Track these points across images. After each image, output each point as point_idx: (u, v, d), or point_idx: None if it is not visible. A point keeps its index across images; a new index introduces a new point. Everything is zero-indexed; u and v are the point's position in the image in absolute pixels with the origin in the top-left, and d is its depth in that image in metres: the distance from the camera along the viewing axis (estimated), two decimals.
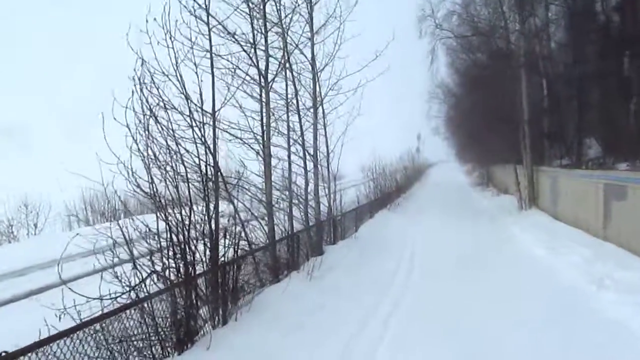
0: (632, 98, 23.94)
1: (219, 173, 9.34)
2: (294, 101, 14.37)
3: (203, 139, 9.02)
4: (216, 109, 9.41)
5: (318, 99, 15.49)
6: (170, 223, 8.08)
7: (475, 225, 23.90)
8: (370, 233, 20.79)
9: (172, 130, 8.59)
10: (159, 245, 7.87)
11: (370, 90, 16.37)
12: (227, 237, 9.26)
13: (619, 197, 15.58)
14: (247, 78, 12.26)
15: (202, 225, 8.64)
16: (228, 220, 9.73)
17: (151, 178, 7.94)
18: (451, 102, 53.09)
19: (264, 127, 12.30)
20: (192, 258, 8.30)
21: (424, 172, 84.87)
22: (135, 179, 7.90)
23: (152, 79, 8.41)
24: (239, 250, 9.88)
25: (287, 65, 13.77)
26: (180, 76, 8.66)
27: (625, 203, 15.03)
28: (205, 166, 9.04)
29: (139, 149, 7.91)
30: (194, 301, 8.24)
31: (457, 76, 44.59)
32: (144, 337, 7.17)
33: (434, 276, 13.67)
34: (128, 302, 7.03)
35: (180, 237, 8.12)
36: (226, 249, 9.13)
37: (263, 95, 12.39)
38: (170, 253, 7.96)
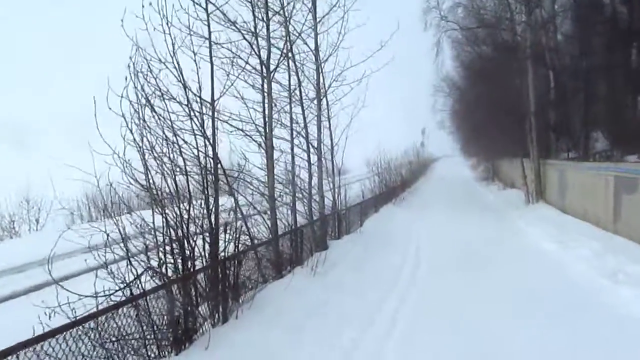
0: (639, 90, 23.62)
1: (218, 165, 8.99)
2: (297, 92, 14.04)
3: (202, 130, 8.69)
4: (215, 99, 9.07)
5: (322, 91, 15.16)
6: (167, 217, 7.78)
7: (481, 220, 23.55)
8: (375, 227, 20.47)
9: (171, 120, 8.28)
10: (155, 241, 7.55)
11: (374, 83, 16.08)
12: (228, 231, 8.94)
13: (630, 190, 15.27)
14: (248, 67, 11.93)
15: (202, 219, 8.31)
16: (229, 215, 9.38)
17: (147, 169, 7.58)
18: (456, 95, 52.75)
19: (266, 119, 11.95)
20: (191, 253, 7.99)
21: (429, 166, 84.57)
22: (131, 171, 7.59)
23: (148, 66, 8.10)
24: (241, 246, 9.59)
25: (290, 55, 13.43)
26: (178, 64, 8.31)
27: (636, 196, 14.72)
28: (205, 158, 8.72)
29: (134, 139, 7.58)
30: (193, 298, 7.93)
31: (462, 69, 44.22)
32: (138, 336, 6.83)
33: (440, 271, 13.32)
34: (122, 299, 6.69)
35: (179, 231, 7.81)
36: (227, 244, 8.80)
37: (265, 85, 12.04)
38: (168, 248, 7.63)
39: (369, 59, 15.16)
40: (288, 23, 12.86)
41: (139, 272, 7.04)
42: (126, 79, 7.35)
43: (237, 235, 9.24)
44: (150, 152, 7.79)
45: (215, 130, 8.96)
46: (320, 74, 15.09)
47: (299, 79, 14.01)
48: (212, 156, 8.79)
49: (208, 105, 8.97)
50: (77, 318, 5.97)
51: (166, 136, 8.07)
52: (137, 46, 7.85)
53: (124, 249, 7.01)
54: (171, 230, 7.75)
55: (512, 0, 28.33)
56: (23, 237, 29.26)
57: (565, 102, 29.27)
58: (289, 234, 12.37)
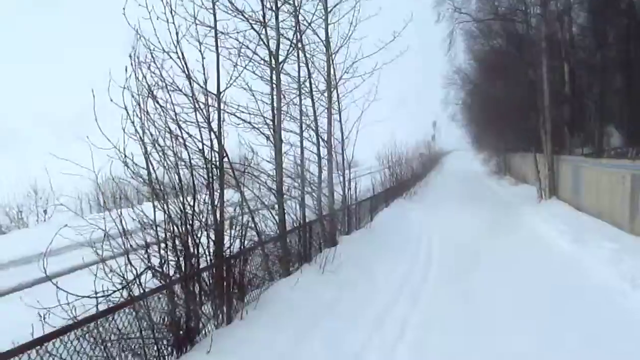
0: None
1: (224, 159, 8.64)
2: (307, 84, 13.67)
3: (207, 122, 8.35)
4: (221, 90, 8.72)
5: (332, 82, 14.78)
6: (170, 212, 7.45)
7: (493, 216, 23.12)
8: (386, 223, 20.10)
9: (175, 112, 7.95)
10: (157, 237, 7.22)
11: (386, 76, 15.70)
12: (234, 227, 8.60)
13: None
14: (256, 58, 11.56)
15: (206, 215, 7.98)
16: (234, 210, 9.02)
17: (148, 163, 7.25)
18: (468, 88, 52.27)
19: (275, 111, 11.57)
20: (195, 250, 7.67)
21: (440, 160, 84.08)
22: (133, 164, 7.26)
23: (152, 56, 7.77)
24: (247, 242, 9.26)
25: (300, 45, 13.05)
26: (182, 53, 7.97)
27: None
28: (210, 151, 8.39)
29: (136, 130, 7.25)
30: (196, 298, 7.60)
31: (475, 62, 43.73)
32: (136, 337, 6.50)
33: (452, 271, 12.95)
34: (120, 300, 6.36)
35: (182, 227, 7.48)
36: (232, 240, 8.46)
37: (274, 77, 11.66)
38: (169, 246, 7.30)
39: (381, 50, 14.77)
40: (298, 12, 12.45)
41: (139, 272, 6.70)
42: (126, 69, 7.01)
43: (244, 232, 8.89)
44: (152, 145, 7.47)
45: (222, 123, 8.63)
46: (331, 66, 14.72)
47: (308, 71, 13.64)
48: (217, 149, 8.45)
49: (214, 96, 8.61)
50: (77, 319, 5.72)
51: (170, 129, 7.76)
52: (140, 35, 7.54)
53: (122, 247, 6.67)
54: (174, 226, 7.44)
55: None
56: (31, 228, 29.09)
57: (580, 96, 28.81)
58: (297, 229, 12.00)
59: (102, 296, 6.33)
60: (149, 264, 6.84)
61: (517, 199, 29.42)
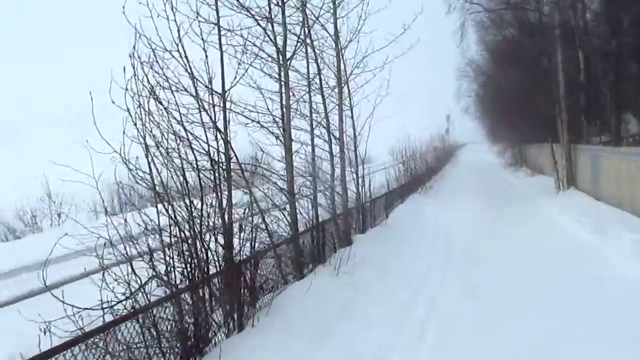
0: None
1: (231, 160, 8.33)
2: (317, 81, 13.37)
3: (213, 122, 8.05)
4: (226, 89, 8.41)
5: (343, 78, 14.45)
6: (176, 217, 7.17)
7: (511, 209, 22.75)
8: (401, 219, 19.71)
9: (180, 113, 7.67)
10: (161, 243, 6.93)
11: (397, 70, 15.36)
12: (243, 231, 8.29)
13: None
14: (263, 55, 11.27)
15: (214, 217, 7.68)
16: (244, 212, 8.70)
17: (150, 166, 6.96)
18: (481, 80, 51.66)
19: (284, 109, 11.25)
20: (204, 256, 7.39)
21: (454, 153, 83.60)
22: (135, 168, 6.99)
23: (154, 54, 7.47)
24: (258, 244, 8.96)
25: (309, 41, 12.73)
26: (184, 51, 7.66)
27: None
28: (217, 153, 8.09)
29: (138, 131, 6.97)
30: (205, 306, 7.31)
31: (487, 53, 43.15)
32: (143, 348, 6.20)
33: (471, 268, 12.55)
34: (123, 312, 6.07)
35: (189, 232, 7.20)
36: (242, 243, 8.16)
37: (282, 74, 11.35)
38: (175, 253, 7.01)
39: (392, 43, 14.45)
40: (305, 7, 12.13)
41: (144, 280, 6.41)
42: (124, 69, 6.70)
43: (254, 235, 8.58)
44: (156, 147, 7.19)
45: (228, 123, 8.32)
46: (341, 61, 14.40)
47: (318, 67, 13.34)
48: (223, 150, 8.15)
49: (219, 96, 8.31)
50: (84, 331, 5.49)
51: (174, 130, 7.48)
52: (141, 34, 7.25)
53: (125, 255, 6.38)
54: (180, 231, 7.16)
55: None
56: (45, 233, 29.05)
57: (595, 84, 28.30)
58: (310, 230, 11.67)
59: (106, 307, 6.04)
60: (154, 273, 6.54)
61: (534, 191, 28.95)
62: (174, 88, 7.75)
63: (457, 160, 71.65)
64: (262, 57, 11.21)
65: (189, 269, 7.03)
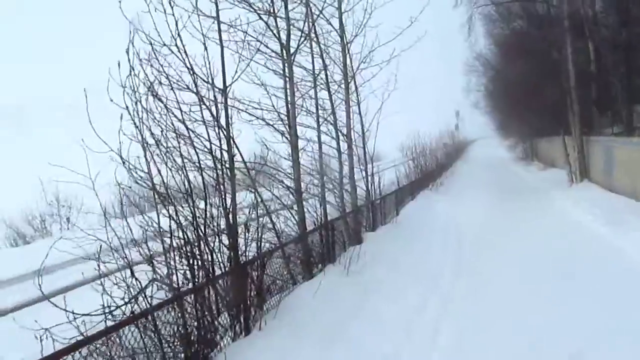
0: None
1: (234, 158, 8.06)
2: (323, 76, 13.09)
3: (215, 120, 7.78)
4: (227, 85, 8.13)
5: (349, 73, 14.18)
6: (178, 218, 6.92)
7: (524, 203, 22.45)
8: (412, 217, 19.40)
9: (181, 110, 7.41)
10: (162, 246, 6.69)
11: (405, 65, 15.09)
12: (249, 231, 8.03)
13: None
14: (267, 51, 11.03)
15: (217, 218, 7.42)
16: (249, 212, 8.41)
17: (149, 166, 6.71)
18: (490, 74, 51.29)
19: (289, 106, 10.99)
20: (208, 257, 7.13)
21: (465, 149, 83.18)
22: (133, 168, 6.74)
23: (152, 49, 7.21)
24: (266, 245, 8.70)
25: (314, 36, 12.46)
26: (183, 46, 7.39)
27: None
28: (220, 151, 7.83)
29: (136, 127, 6.72)
30: (211, 309, 7.05)
31: (495, 46, 42.77)
32: (145, 353, 5.94)
33: (484, 265, 12.21)
34: (123, 317, 5.81)
35: (192, 234, 6.95)
36: (247, 244, 7.88)
37: (286, 70, 11.08)
38: (177, 256, 6.76)
39: (399, 36, 14.13)
40: (308, 0, 11.84)
41: (145, 284, 6.15)
42: (119, 64, 6.44)
43: (260, 235, 8.30)
44: (156, 145, 6.94)
45: (230, 120, 8.05)
46: (347, 55, 14.12)
47: (324, 62, 13.07)
48: (226, 148, 7.88)
49: (220, 92, 8.03)
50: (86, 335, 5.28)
51: (174, 127, 7.23)
52: (138, 29, 6.99)
53: (124, 259, 6.14)
54: (183, 232, 6.91)
55: None
56: (55, 237, 28.86)
57: (605, 75, 27.89)
58: (318, 229, 11.39)
59: (104, 313, 5.79)
60: (154, 276, 6.28)
61: (547, 184, 28.62)
62: (173, 84, 7.52)
63: (467, 156, 71.21)
64: (264, 52, 10.98)
65: (192, 271, 6.76)
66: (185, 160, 7.30)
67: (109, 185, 6.69)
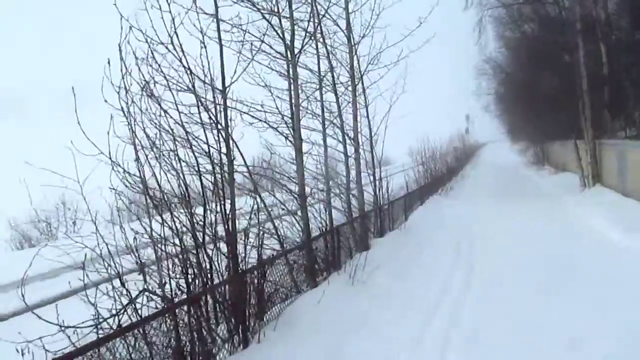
0: None
1: (233, 162, 7.71)
2: (329, 78, 12.77)
3: (215, 122, 7.44)
4: (227, 85, 7.78)
5: (357, 75, 13.83)
6: (175, 224, 6.60)
7: (536, 208, 21.96)
8: (421, 222, 19.00)
9: (179, 111, 7.08)
10: (155, 255, 6.35)
11: (414, 68, 14.74)
12: (248, 238, 7.67)
13: None
14: (270, 51, 10.73)
15: (214, 225, 7.08)
16: (249, 217, 8.04)
17: (139, 169, 6.39)
18: (500, 78, 50.80)
19: (293, 108, 10.65)
20: (206, 265, 6.80)
21: (475, 153, 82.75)
22: (126, 171, 6.42)
23: (149, 48, 6.89)
24: (267, 252, 8.36)
25: (320, 36, 12.14)
26: (180, 44, 7.06)
27: None
28: (219, 154, 7.48)
29: (130, 128, 6.41)
30: (209, 320, 6.71)
31: (506, 49, 42.32)
32: None
33: (498, 276, 11.69)
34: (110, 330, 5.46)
35: (182, 243, 6.62)
36: (247, 252, 7.53)
37: (290, 71, 10.74)
38: (171, 264, 6.42)
39: (408, 38, 13.78)
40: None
41: (135, 295, 5.80)
42: (108, 62, 6.10)
43: (261, 242, 7.95)
44: (150, 148, 6.62)
45: (229, 122, 7.70)
46: (355, 56, 13.77)
47: (330, 63, 12.77)
48: (225, 152, 7.53)
49: (219, 92, 7.69)
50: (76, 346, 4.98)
51: (170, 128, 6.91)
52: (133, 27, 6.67)
53: (114, 268, 5.80)
54: (180, 240, 6.59)
55: None
56: (60, 241, 28.72)
57: (618, 78, 27.45)
58: (323, 236, 11.01)
59: (94, 325, 5.45)
60: (145, 286, 5.93)
61: (559, 189, 28.18)
62: (170, 84, 7.19)
63: (477, 160, 70.72)
64: (267, 53, 10.66)
65: (187, 281, 6.41)
66: (183, 164, 7.00)
67: (99, 190, 6.39)
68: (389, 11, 13.86)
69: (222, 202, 7.26)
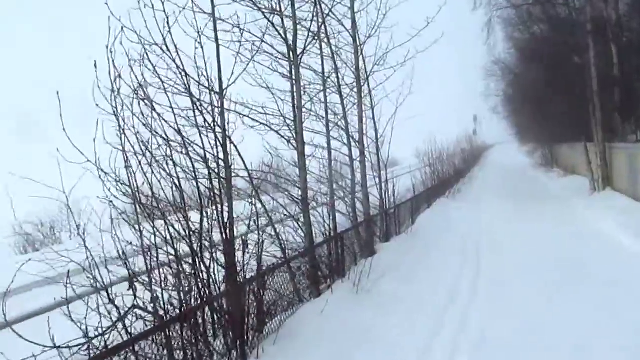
0: None
1: (231, 166, 7.36)
2: (333, 79, 12.45)
3: (212, 125, 7.10)
4: (224, 87, 7.44)
5: (362, 76, 13.48)
6: (169, 232, 6.28)
7: (546, 212, 21.57)
8: (428, 226, 18.60)
9: (174, 114, 6.74)
10: (146, 267, 6.03)
11: (421, 69, 14.43)
12: (247, 246, 7.34)
13: None
14: (269, 50, 10.42)
15: (210, 233, 6.74)
16: (249, 224, 7.68)
17: (131, 178, 6.07)
18: (509, 79, 50.44)
19: (296, 110, 10.31)
20: (203, 276, 6.46)
21: (483, 154, 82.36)
22: (116, 179, 6.10)
23: (143, 49, 6.56)
24: (268, 259, 8.03)
25: (324, 37, 11.82)
26: (175, 45, 6.72)
27: None
28: (217, 159, 7.14)
29: (119, 132, 6.09)
30: (206, 333, 6.37)
31: (515, 51, 41.93)
32: None
33: (507, 282, 11.34)
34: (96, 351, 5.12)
35: (181, 251, 6.30)
36: (245, 261, 7.19)
37: (293, 72, 10.41)
38: (164, 276, 6.09)
39: (415, 38, 13.43)
40: None
41: (123, 312, 5.47)
42: (95, 64, 5.78)
43: (261, 250, 7.61)
44: (142, 153, 6.29)
45: (227, 124, 7.35)
46: (360, 57, 13.43)
47: (335, 64, 12.46)
48: (222, 157, 7.19)
49: (216, 95, 7.35)
50: None
51: (164, 132, 6.58)
52: (127, 28, 6.34)
53: (100, 282, 5.48)
54: (174, 249, 6.27)
55: None
56: (65, 244, 28.46)
57: (629, 80, 27.04)
58: (327, 242, 10.65)
59: (77, 345, 5.11)
60: (135, 302, 5.59)
61: (568, 192, 27.79)
62: (165, 86, 6.85)
63: (485, 162, 70.28)
64: (268, 53, 10.35)
65: (180, 296, 6.07)
66: (177, 169, 6.66)
67: (87, 199, 6.10)
68: (395, 11, 13.57)
69: (220, 209, 6.92)
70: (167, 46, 6.61)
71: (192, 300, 6.30)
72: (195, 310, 6.16)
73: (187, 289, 6.25)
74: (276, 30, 10.09)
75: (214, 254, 6.74)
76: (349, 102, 13.22)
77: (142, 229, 6.13)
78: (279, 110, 10.71)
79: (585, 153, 27.28)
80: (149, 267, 6.06)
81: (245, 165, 8.54)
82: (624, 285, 10.16)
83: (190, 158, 6.83)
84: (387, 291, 9.93)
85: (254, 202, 8.03)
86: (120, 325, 5.45)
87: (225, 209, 7.03)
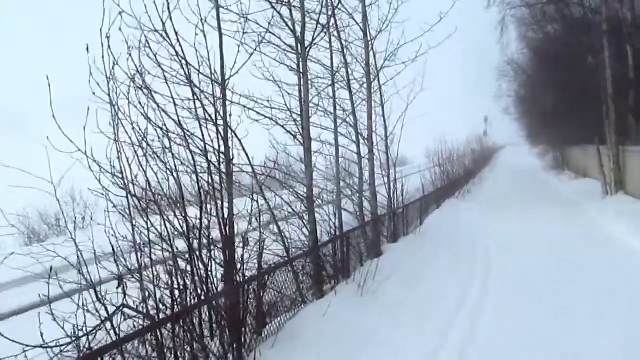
0: None
1: (232, 161, 7.05)
2: (343, 74, 12.12)
3: (209, 116, 6.79)
4: (227, 77, 7.13)
5: (372, 72, 13.14)
6: (167, 228, 5.99)
7: (556, 215, 21.18)
8: (437, 227, 18.22)
9: (175, 104, 6.44)
10: (138, 264, 5.73)
11: (433, 67, 14.08)
12: (248, 244, 7.03)
13: None
14: (276, 41, 10.11)
15: (208, 230, 6.44)
16: (250, 221, 7.36)
17: (122, 169, 5.78)
18: (521, 79, 49.95)
19: (302, 104, 9.97)
20: (201, 273, 6.16)
21: (493, 155, 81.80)
22: (111, 171, 5.82)
23: (144, 37, 6.26)
24: (270, 258, 7.73)
25: (334, 29, 11.50)
26: (176, 32, 6.41)
27: None
28: (218, 153, 6.84)
29: (112, 119, 5.80)
30: (202, 335, 6.08)
31: (528, 51, 41.46)
32: None
33: (516, 285, 10.99)
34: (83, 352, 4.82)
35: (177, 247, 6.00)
36: (244, 260, 6.88)
37: (301, 65, 10.08)
38: (157, 275, 5.79)
39: (427, 34, 13.05)
40: None
41: (111, 311, 5.16)
42: (87, 48, 5.48)
43: (262, 249, 7.28)
44: (139, 145, 6.00)
45: (229, 117, 7.05)
46: (371, 51, 13.09)
47: (344, 58, 12.14)
48: (223, 151, 6.88)
49: (218, 86, 7.05)
50: None
51: (163, 123, 6.29)
52: (123, 11, 6.04)
53: (88, 280, 5.18)
54: (171, 246, 5.97)
55: None
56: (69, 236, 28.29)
57: None
58: (332, 241, 10.32)
59: (59, 345, 4.81)
60: (124, 301, 5.28)
61: (579, 195, 27.38)
62: (165, 75, 6.55)
63: (496, 163, 69.79)
64: (275, 44, 10.03)
65: (172, 295, 5.77)
66: (176, 162, 6.36)
67: (78, 191, 5.80)
68: (407, 5, 13.21)
69: (220, 205, 6.62)
70: (166, 32, 6.29)
71: (188, 299, 6.02)
72: (191, 310, 5.84)
73: (182, 287, 5.95)
74: (284, 21, 9.78)
75: (213, 252, 6.44)
76: (358, 98, 12.93)
77: (134, 223, 5.82)
78: (286, 105, 10.41)
79: (597, 156, 26.79)
80: (141, 264, 5.75)
81: (249, 160, 8.27)
82: (635, 289, 9.96)
83: (190, 150, 6.54)
84: (393, 295, 9.57)
85: (256, 199, 7.69)
86: (108, 325, 5.14)
87: (226, 204, 6.74)
